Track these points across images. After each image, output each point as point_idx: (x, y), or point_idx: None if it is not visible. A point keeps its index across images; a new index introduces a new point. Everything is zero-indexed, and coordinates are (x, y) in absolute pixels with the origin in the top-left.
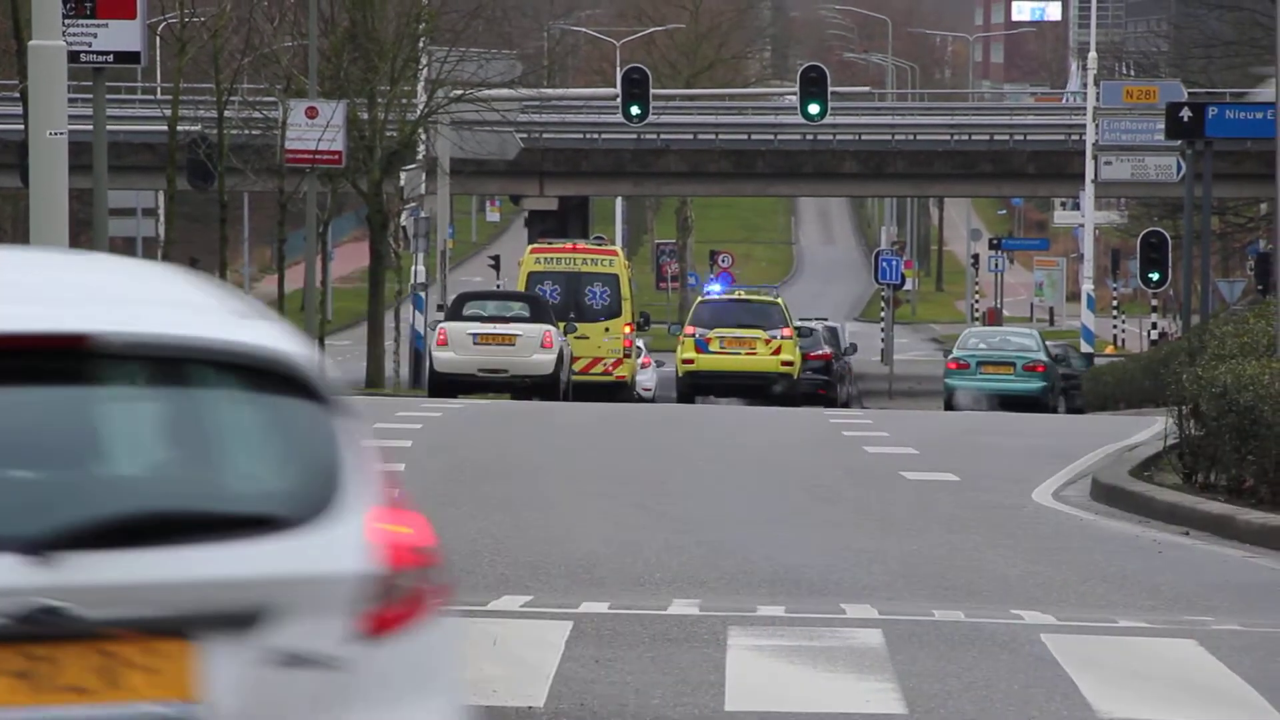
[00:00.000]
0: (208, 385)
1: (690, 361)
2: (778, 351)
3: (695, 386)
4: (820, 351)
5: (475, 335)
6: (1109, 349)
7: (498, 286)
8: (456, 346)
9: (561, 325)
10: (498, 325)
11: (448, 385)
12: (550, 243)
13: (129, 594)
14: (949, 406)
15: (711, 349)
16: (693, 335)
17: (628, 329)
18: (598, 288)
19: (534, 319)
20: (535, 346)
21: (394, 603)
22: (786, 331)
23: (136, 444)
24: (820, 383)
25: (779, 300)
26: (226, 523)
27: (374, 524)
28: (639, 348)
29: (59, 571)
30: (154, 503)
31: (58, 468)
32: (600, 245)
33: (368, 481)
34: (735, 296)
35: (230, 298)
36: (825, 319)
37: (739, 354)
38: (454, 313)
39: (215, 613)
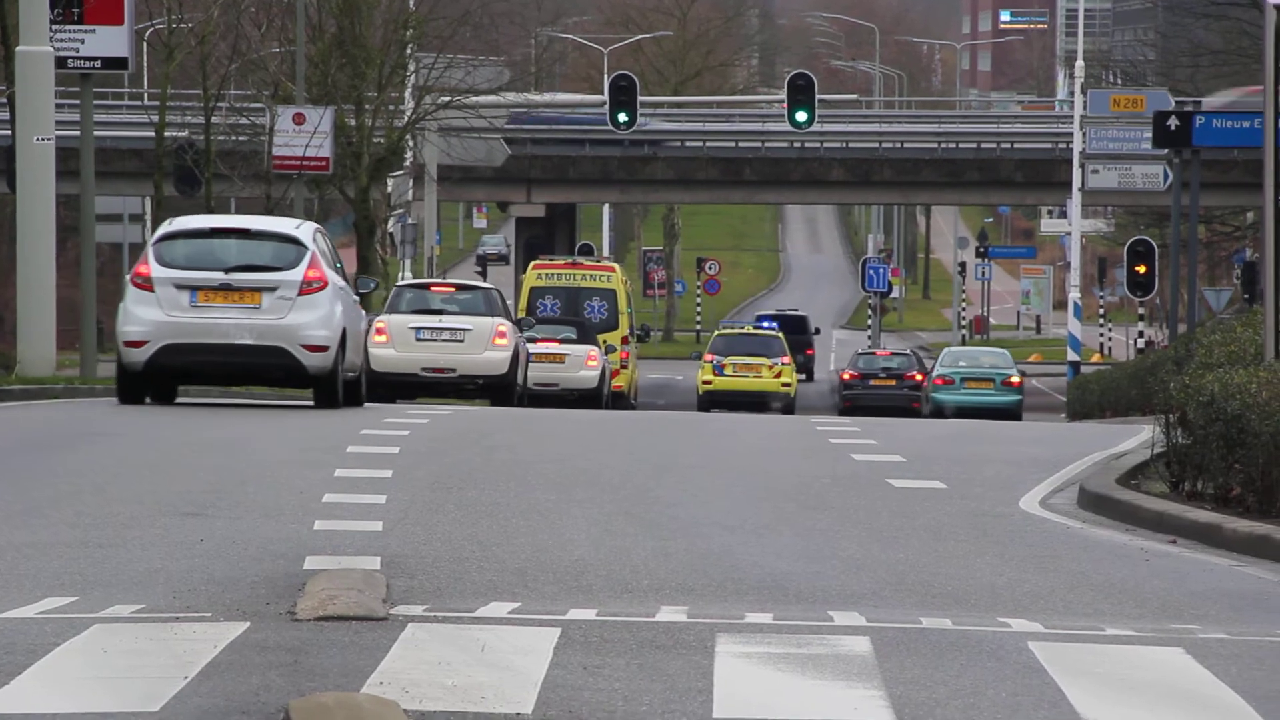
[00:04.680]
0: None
1: (709, 382)
2: (778, 375)
3: (712, 402)
4: (912, 373)
5: (531, 355)
6: (1095, 357)
7: None
8: None
9: (604, 345)
10: (550, 345)
11: None
12: (552, 259)
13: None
14: (935, 416)
15: (726, 373)
16: (710, 362)
17: (623, 342)
18: (596, 302)
19: (580, 340)
20: (581, 364)
21: (307, 286)
22: (786, 359)
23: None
24: (914, 397)
25: (780, 335)
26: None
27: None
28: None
29: (232, 276)
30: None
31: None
32: (598, 261)
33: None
34: (745, 331)
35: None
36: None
37: (747, 377)
38: None
39: (272, 284)
